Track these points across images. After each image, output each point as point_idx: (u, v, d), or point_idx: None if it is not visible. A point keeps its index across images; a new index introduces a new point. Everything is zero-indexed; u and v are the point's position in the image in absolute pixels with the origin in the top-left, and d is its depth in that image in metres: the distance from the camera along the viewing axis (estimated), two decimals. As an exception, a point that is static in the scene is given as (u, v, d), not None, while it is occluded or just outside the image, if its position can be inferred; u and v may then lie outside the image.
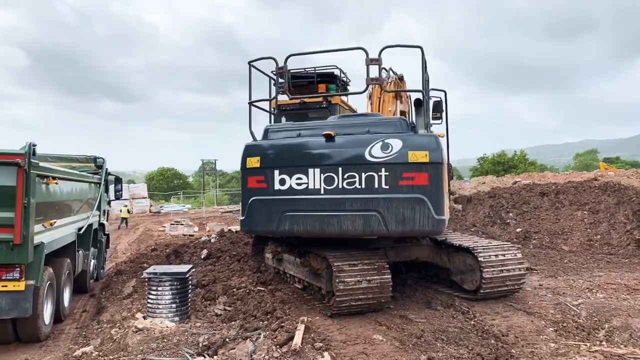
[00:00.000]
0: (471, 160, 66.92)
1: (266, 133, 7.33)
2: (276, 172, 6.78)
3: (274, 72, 7.83)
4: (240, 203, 7.28)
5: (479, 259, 7.04)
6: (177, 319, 6.86)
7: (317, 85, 8.55)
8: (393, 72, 9.20)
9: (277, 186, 6.76)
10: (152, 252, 13.41)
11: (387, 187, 6.38)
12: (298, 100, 8.66)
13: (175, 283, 6.91)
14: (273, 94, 7.89)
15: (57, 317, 8.13)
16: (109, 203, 14.53)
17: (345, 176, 6.47)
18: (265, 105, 8.05)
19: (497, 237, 16.51)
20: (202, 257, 10.10)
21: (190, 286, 7.18)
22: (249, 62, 7.37)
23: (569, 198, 16.81)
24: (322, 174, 6.54)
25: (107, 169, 13.32)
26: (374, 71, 6.67)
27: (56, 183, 7.75)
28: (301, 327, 5.54)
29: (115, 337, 6.43)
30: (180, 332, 6.36)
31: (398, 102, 9.15)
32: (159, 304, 6.90)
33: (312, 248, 7.18)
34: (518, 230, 16.35)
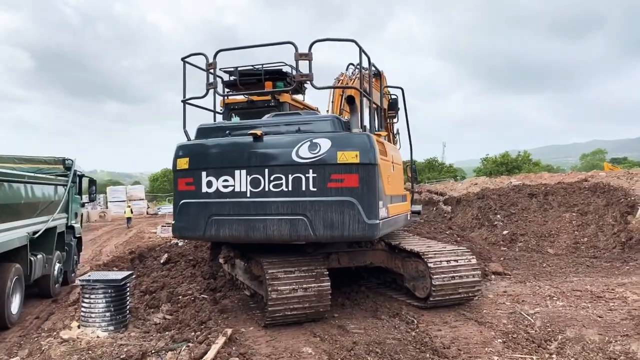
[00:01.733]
0: (477, 161, 66.36)
1: (198, 132, 7.00)
2: (204, 173, 6.48)
3: (220, 69, 7.51)
4: (174, 206, 7.02)
5: (429, 264, 6.66)
6: (111, 328, 6.55)
7: (264, 83, 8.17)
8: (362, 67, 8.82)
9: (204, 189, 6.47)
10: (129, 255, 13.11)
11: (315, 189, 6.02)
12: (246, 99, 8.33)
13: (110, 291, 6.60)
14: (219, 92, 7.53)
15: (3, 324, 7.89)
16: (83, 205, 14.30)
17: (272, 178, 6.15)
18: (204, 104, 7.67)
19: (483, 239, 16.15)
20: (162, 261, 9.80)
21: (127, 294, 6.88)
22: (182, 59, 7.05)
23: (558, 199, 16.35)
24: (248, 176, 6.23)
25: (76, 170, 13.07)
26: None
27: (-4, 186, 7.47)
28: (220, 340, 5.20)
29: (43, 348, 6.13)
30: (109, 343, 6.04)
31: (365, 100, 8.77)
32: (92, 313, 6.59)
33: (253, 253, 6.83)
34: (505, 232, 15.93)
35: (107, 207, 38.02)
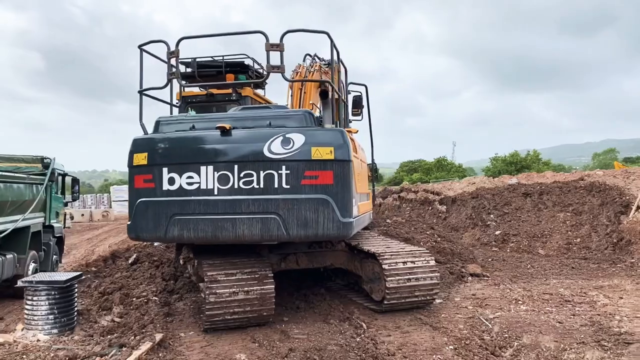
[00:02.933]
0: (488, 161, 65.55)
1: (157, 125, 6.51)
2: (165, 169, 6.00)
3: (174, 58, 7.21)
4: (129, 205, 6.46)
5: (383, 266, 6.36)
6: (55, 331, 6.34)
7: (226, 76, 7.87)
8: (319, 58, 8.54)
9: (165, 186, 5.98)
10: (111, 255, 12.96)
11: (288, 186, 5.75)
12: (205, 92, 8.02)
13: (53, 292, 6.39)
14: (175, 84, 7.22)
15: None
16: (65, 204, 14.18)
17: (242, 175, 5.78)
18: (161, 96, 7.35)
19: (476, 240, 15.78)
20: (130, 262, 9.60)
21: (74, 295, 6.67)
22: (139, 46, 6.63)
23: (553, 199, 15.87)
24: (215, 172, 5.82)
25: (57, 169, 12.95)
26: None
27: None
28: (145, 346, 4.96)
29: (-19, 352, 5.94)
30: (45, 347, 5.83)
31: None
32: (35, 316, 6.38)
33: (202, 255, 6.55)
34: (497, 232, 15.53)
35: (110, 207, 38.08)
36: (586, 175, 16.84)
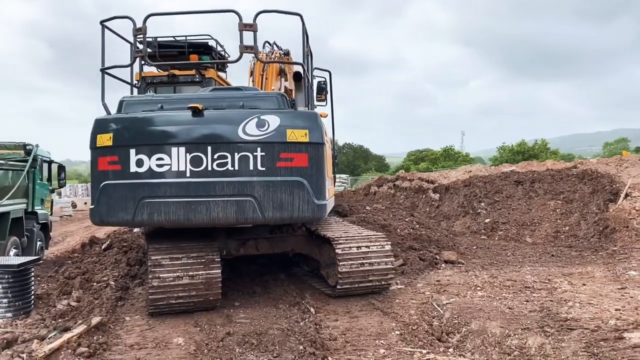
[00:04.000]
0: (495, 150, 64.94)
1: (121, 105, 6.29)
2: (132, 151, 5.74)
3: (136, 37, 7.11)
4: (91, 189, 6.22)
5: (336, 250, 6.27)
6: (10, 314, 6.36)
7: (189, 56, 7.73)
8: (277, 46, 8.41)
9: (133, 168, 5.73)
10: (89, 242, 13.02)
11: (263, 169, 5.67)
12: (166, 72, 7.87)
13: (7, 276, 6.39)
14: (136, 64, 7.09)
15: None
16: (52, 192, 14.26)
17: (216, 156, 5.64)
18: (123, 75, 7.22)
19: (466, 228, 15.61)
20: (103, 247, 9.62)
21: (30, 279, 6.67)
22: (101, 22, 6.37)
23: (544, 187, 15.62)
24: (187, 154, 5.64)
25: (41, 156, 13.00)
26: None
27: None
28: (77, 329, 4.93)
29: None
30: (-5, 329, 5.84)
31: (283, 79, 8.37)
32: (-11, 299, 6.42)
33: (149, 240, 6.51)
34: (487, 220, 15.33)
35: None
36: (579, 163, 16.58)
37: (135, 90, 7.51)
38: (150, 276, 5.65)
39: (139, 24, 5.96)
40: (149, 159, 5.72)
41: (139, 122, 5.96)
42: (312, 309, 6.00)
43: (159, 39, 7.63)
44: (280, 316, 5.81)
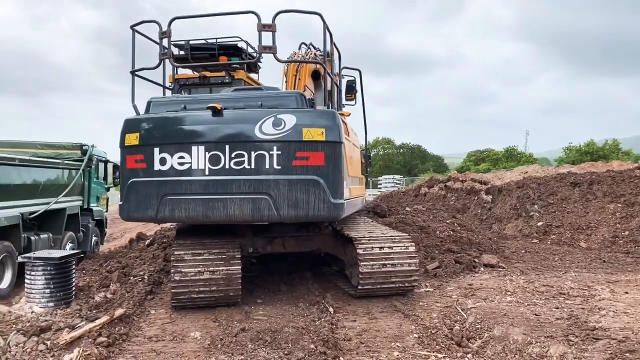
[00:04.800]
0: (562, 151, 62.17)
1: (149, 106, 6.47)
2: (156, 150, 5.94)
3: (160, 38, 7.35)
4: (120, 185, 6.56)
5: (358, 250, 6.22)
6: (51, 304, 6.74)
7: (219, 58, 7.91)
8: (314, 47, 8.40)
9: (157, 166, 5.93)
10: (137, 238, 13.56)
11: (279, 167, 5.73)
12: (198, 74, 8.05)
13: (49, 268, 6.79)
14: (168, 66, 7.29)
15: (-13, 298, 8.43)
16: (108, 189, 14.99)
17: (233, 155, 5.74)
18: (153, 78, 7.42)
19: (518, 231, 15.04)
20: (146, 244, 10.02)
21: (71, 272, 7.05)
22: (132, 27, 6.64)
23: (603, 189, 14.79)
24: (207, 152, 5.78)
25: (97, 156, 13.71)
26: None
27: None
28: (101, 320, 5.16)
29: (-21, 321, 6.44)
30: (34, 318, 6.22)
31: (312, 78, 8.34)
32: (33, 289, 6.81)
33: (177, 236, 6.70)
34: (539, 224, 14.69)
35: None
36: (643, 164, 15.54)
37: (168, 92, 7.77)
38: (172, 270, 5.84)
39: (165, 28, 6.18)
40: (171, 157, 5.89)
41: (162, 122, 6.16)
42: (330, 309, 5.99)
43: (190, 42, 7.84)
44: (298, 314, 5.83)
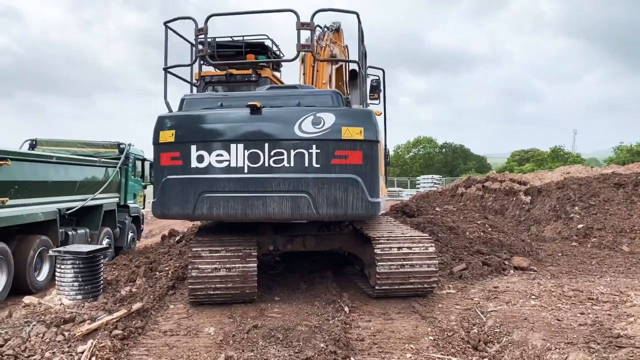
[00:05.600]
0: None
1: (182, 103, 6.44)
2: (193, 147, 5.90)
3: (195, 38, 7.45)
4: (154, 182, 6.46)
5: (376, 250, 6.14)
6: (79, 297, 6.97)
7: (246, 56, 7.92)
8: (327, 27, 8.35)
9: (194, 164, 5.89)
10: (168, 234, 13.83)
11: (318, 166, 5.75)
12: (224, 72, 8.05)
13: (77, 262, 7.01)
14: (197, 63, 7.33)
15: (27, 289, 8.81)
16: (145, 187, 15.39)
17: (272, 153, 5.76)
18: (184, 74, 7.49)
19: (557, 233, 14.53)
20: (176, 240, 10.22)
21: (100, 266, 7.25)
22: (165, 23, 6.65)
23: (650, 190, 14.10)
24: (246, 150, 5.78)
25: (134, 154, 14.11)
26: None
27: (8, 164, 8.29)
28: (118, 313, 5.29)
29: (12, 311, 6.73)
30: (61, 310, 6.44)
31: (333, 66, 8.27)
32: (62, 282, 7.05)
33: (198, 233, 6.80)
34: (580, 226, 14.14)
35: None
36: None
37: (194, 89, 7.87)
38: (190, 267, 5.93)
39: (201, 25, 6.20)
40: (209, 155, 5.87)
41: (199, 120, 6.11)
42: (346, 308, 5.93)
43: (217, 39, 7.91)
44: (313, 313, 5.80)
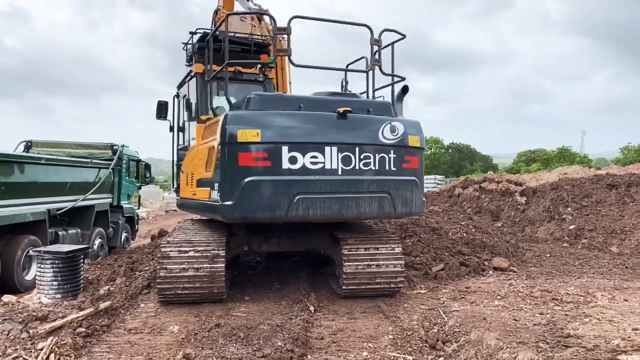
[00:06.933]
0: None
1: (249, 101, 6.18)
2: (285, 148, 5.83)
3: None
4: (217, 184, 6.05)
5: (343, 250, 6.24)
6: (58, 296, 7.11)
7: (259, 56, 7.94)
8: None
9: (286, 165, 5.82)
10: (158, 234, 13.99)
11: (395, 169, 6.34)
12: (233, 69, 7.80)
13: (56, 262, 7.16)
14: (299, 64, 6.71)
15: (14, 288, 9.01)
16: (139, 188, 15.59)
17: (362, 156, 6.14)
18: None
19: (550, 234, 14.54)
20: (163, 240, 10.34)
21: (79, 265, 7.40)
22: (228, 15, 6.47)
23: (642, 191, 14.04)
24: (339, 153, 6.02)
25: (128, 155, 14.30)
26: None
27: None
28: (84, 311, 5.43)
29: (-9, 309, 6.88)
30: (38, 308, 6.60)
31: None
32: (42, 281, 7.20)
33: (170, 234, 6.94)
34: (571, 227, 14.13)
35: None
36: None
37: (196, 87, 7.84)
38: (158, 267, 6.06)
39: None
40: (303, 156, 5.89)
41: (290, 120, 6.05)
42: (311, 307, 6.04)
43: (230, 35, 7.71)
44: (278, 312, 5.90)
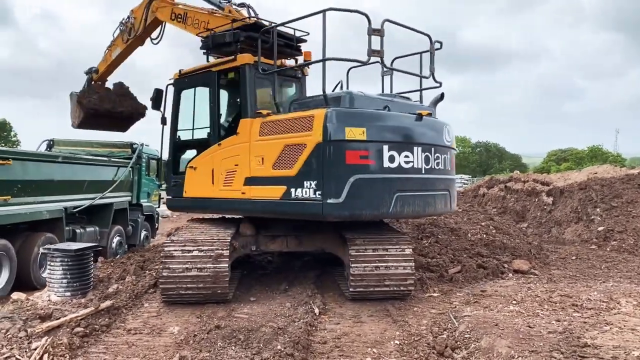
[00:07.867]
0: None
1: (345, 99, 6.14)
2: (385, 147, 5.96)
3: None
4: (326, 181, 5.81)
5: (350, 251, 6.03)
6: (68, 294, 7.10)
7: (302, 52, 7.69)
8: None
9: (386, 163, 5.96)
10: (172, 231, 13.95)
11: (450, 169, 6.92)
12: (280, 62, 7.38)
13: (66, 260, 7.15)
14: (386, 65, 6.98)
15: (30, 284, 9.08)
16: (159, 186, 15.62)
17: (435, 156, 6.56)
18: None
19: (577, 236, 14.00)
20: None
21: (89, 263, 7.37)
22: (324, 10, 5.95)
23: (676, 191, 13.40)
24: (422, 153, 6.36)
25: (148, 154, 14.32)
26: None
27: (9, 164, 8.54)
28: (84, 310, 5.37)
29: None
30: (46, 306, 6.59)
31: None
32: (52, 279, 7.22)
33: (176, 232, 6.84)
34: (600, 228, 13.56)
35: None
36: None
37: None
38: (161, 266, 5.96)
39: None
40: (399, 155, 6.10)
41: (388, 120, 6.22)
42: (316, 310, 5.84)
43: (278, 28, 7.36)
44: (282, 314, 5.73)
